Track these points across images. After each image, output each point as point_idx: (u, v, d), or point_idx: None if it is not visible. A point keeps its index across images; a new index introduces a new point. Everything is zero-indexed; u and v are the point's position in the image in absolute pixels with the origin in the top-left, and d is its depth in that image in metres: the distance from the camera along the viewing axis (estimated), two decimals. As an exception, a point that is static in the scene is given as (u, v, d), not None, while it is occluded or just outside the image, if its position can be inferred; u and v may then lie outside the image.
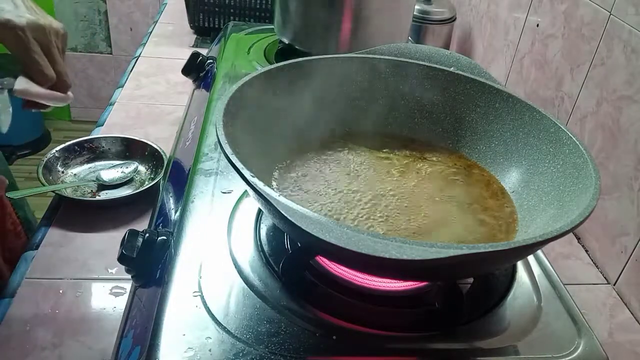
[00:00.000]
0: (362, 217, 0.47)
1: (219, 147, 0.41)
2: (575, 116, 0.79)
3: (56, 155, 0.79)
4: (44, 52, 0.57)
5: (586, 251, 0.76)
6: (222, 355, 0.37)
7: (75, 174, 0.79)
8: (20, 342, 0.55)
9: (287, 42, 0.83)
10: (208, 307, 0.41)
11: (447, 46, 1.20)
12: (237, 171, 0.38)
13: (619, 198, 0.70)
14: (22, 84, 0.56)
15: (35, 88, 0.57)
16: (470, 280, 0.47)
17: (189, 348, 0.38)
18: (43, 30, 0.57)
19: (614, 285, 0.70)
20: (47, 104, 0.60)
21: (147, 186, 0.74)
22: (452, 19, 1.17)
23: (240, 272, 0.44)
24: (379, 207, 0.48)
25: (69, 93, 0.61)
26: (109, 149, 0.82)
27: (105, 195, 0.75)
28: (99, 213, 0.72)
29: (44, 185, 0.73)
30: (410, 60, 0.59)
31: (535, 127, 0.52)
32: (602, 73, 0.73)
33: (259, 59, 0.85)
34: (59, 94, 0.60)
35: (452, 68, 0.58)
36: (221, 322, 0.40)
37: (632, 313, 0.67)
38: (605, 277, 0.72)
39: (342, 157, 0.55)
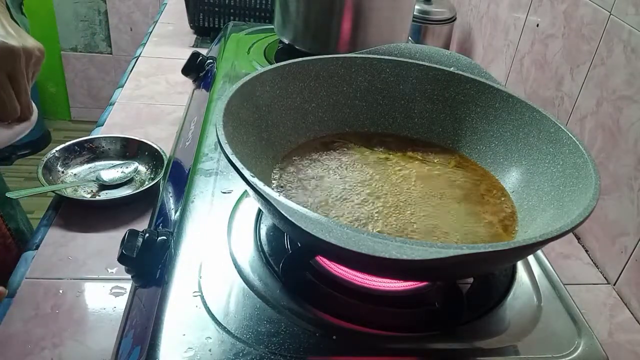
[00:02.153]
0: (361, 217, 0.47)
1: (219, 147, 0.41)
2: (575, 116, 0.79)
3: (56, 155, 0.79)
4: (10, 80, 0.48)
5: (586, 251, 0.76)
6: (222, 355, 0.37)
7: (75, 174, 0.79)
8: (20, 342, 0.55)
9: (287, 42, 0.84)
10: (208, 307, 0.41)
11: (447, 46, 1.20)
12: (237, 171, 0.38)
13: (619, 198, 0.70)
14: None
15: None
16: (470, 280, 0.47)
17: (189, 348, 0.38)
18: (12, 54, 0.47)
19: (614, 285, 0.70)
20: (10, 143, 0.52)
21: (147, 186, 0.74)
22: (452, 19, 1.17)
23: (240, 272, 0.44)
24: (379, 207, 0.48)
25: (32, 117, 0.53)
26: (109, 149, 0.82)
27: (105, 195, 0.75)
28: (99, 213, 0.72)
29: (44, 186, 0.73)
30: (410, 60, 0.59)
31: (535, 127, 0.52)
32: (602, 73, 0.73)
33: (259, 59, 0.85)
34: (21, 127, 0.51)
35: (452, 68, 0.58)
36: (221, 322, 0.40)
37: (632, 313, 0.67)
38: (605, 277, 0.72)
39: (342, 157, 0.55)
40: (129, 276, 0.50)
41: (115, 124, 0.94)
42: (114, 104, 1.00)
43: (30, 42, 0.49)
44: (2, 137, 0.51)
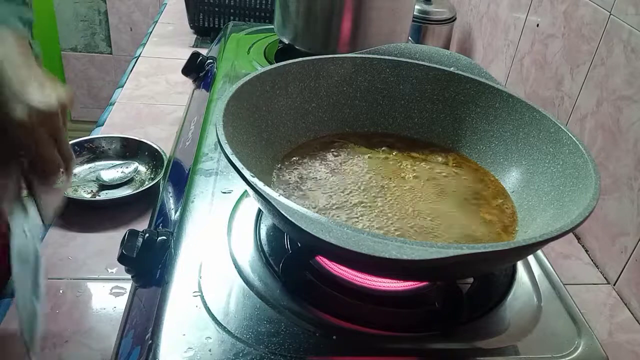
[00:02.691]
0: (362, 217, 0.47)
1: (219, 147, 0.41)
2: (575, 116, 0.79)
3: (56, 155, 0.78)
4: (51, 135, 0.45)
5: (586, 251, 0.76)
6: (222, 355, 0.37)
7: (75, 174, 0.79)
8: (20, 342, 0.55)
9: (287, 42, 0.83)
10: (208, 307, 0.41)
11: (447, 46, 1.20)
12: (237, 171, 0.38)
13: (619, 198, 0.70)
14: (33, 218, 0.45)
15: (49, 209, 0.47)
16: (470, 280, 0.47)
17: (189, 348, 0.38)
18: (51, 113, 0.44)
19: (614, 285, 0.70)
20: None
21: (147, 186, 0.74)
22: (452, 19, 1.17)
23: (240, 272, 0.44)
24: (379, 207, 0.48)
25: (71, 166, 0.50)
26: (109, 149, 0.82)
27: (105, 195, 0.75)
28: (99, 213, 0.72)
29: (44, 185, 0.72)
30: (410, 60, 0.59)
31: (535, 127, 0.52)
32: (602, 73, 0.73)
33: (259, 59, 0.85)
34: (64, 185, 0.49)
35: (452, 68, 0.58)
36: (221, 322, 0.40)
37: (632, 313, 0.67)
38: (605, 277, 0.72)
39: (342, 157, 0.55)
40: (129, 276, 0.50)
41: (115, 124, 0.94)
42: (114, 104, 1.00)
43: (62, 92, 0.46)
44: (54, 203, 0.48)
